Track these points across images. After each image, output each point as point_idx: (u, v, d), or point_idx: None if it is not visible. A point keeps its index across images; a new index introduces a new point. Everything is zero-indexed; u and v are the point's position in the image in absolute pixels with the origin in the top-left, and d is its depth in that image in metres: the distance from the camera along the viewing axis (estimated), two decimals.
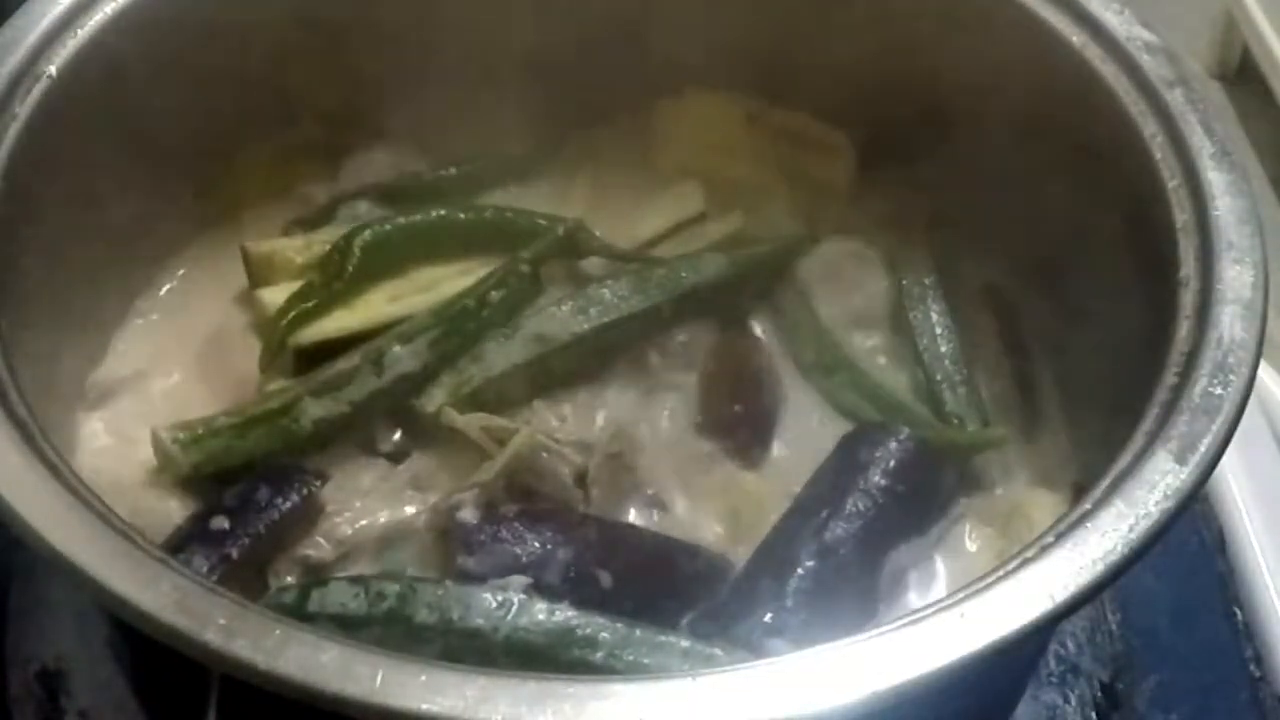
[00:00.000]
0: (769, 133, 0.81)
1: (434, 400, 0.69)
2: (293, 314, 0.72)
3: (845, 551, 0.64)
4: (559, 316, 0.72)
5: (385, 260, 0.75)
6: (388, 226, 0.75)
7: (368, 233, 0.74)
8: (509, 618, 0.58)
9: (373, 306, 0.73)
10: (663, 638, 0.59)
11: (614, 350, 0.73)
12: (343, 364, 0.70)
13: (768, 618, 0.61)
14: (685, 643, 0.59)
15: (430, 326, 0.71)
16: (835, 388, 0.74)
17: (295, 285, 0.74)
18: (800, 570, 0.63)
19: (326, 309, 0.73)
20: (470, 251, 0.76)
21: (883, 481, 0.66)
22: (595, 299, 0.73)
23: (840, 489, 0.66)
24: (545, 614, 0.58)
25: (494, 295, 0.73)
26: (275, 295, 0.73)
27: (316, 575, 0.64)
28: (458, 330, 0.71)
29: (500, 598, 0.59)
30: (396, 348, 0.70)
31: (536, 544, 0.64)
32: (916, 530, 0.67)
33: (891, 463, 0.67)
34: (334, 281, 0.73)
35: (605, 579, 0.63)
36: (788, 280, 0.77)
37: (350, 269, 0.73)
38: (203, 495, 0.66)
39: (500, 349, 0.71)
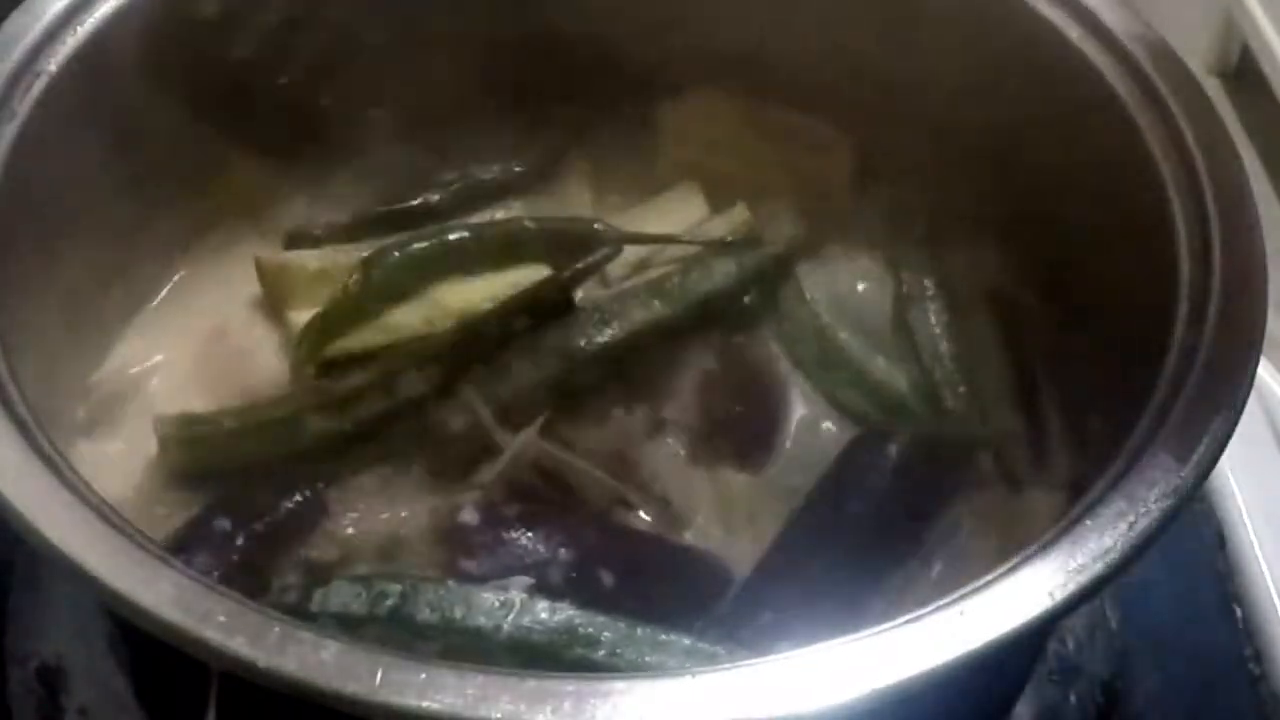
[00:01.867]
0: (768, 133, 0.81)
1: (452, 418, 0.69)
2: (316, 333, 0.72)
3: (849, 555, 0.64)
4: (581, 332, 0.72)
5: (410, 278, 0.74)
6: (412, 247, 0.74)
7: (395, 253, 0.74)
8: (511, 617, 0.58)
9: (398, 324, 0.73)
10: (665, 636, 0.59)
11: (627, 360, 0.73)
12: (353, 380, 0.69)
13: (773, 622, 0.61)
14: (687, 641, 0.59)
15: (446, 352, 0.70)
16: (835, 386, 0.74)
17: (317, 302, 0.73)
18: (804, 574, 0.63)
19: (350, 327, 0.72)
20: (498, 262, 0.75)
21: (884, 483, 0.66)
22: (616, 312, 0.73)
23: (843, 493, 0.66)
24: (547, 613, 0.58)
25: (519, 323, 0.72)
26: (302, 317, 0.73)
27: (318, 576, 0.64)
28: (477, 356, 0.70)
29: (502, 597, 0.59)
30: (410, 371, 0.69)
31: (538, 545, 0.64)
32: (919, 530, 0.67)
33: (893, 464, 0.67)
34: (358, 301, 0.73)
35: (607, 579, 0.63)
36: (788, 280, 0.77)
37: (374, 288, 0.73)
38: (205, 495, 0.66)
39: (522, 367, 0.70)
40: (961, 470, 0.70)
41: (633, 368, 0.73)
